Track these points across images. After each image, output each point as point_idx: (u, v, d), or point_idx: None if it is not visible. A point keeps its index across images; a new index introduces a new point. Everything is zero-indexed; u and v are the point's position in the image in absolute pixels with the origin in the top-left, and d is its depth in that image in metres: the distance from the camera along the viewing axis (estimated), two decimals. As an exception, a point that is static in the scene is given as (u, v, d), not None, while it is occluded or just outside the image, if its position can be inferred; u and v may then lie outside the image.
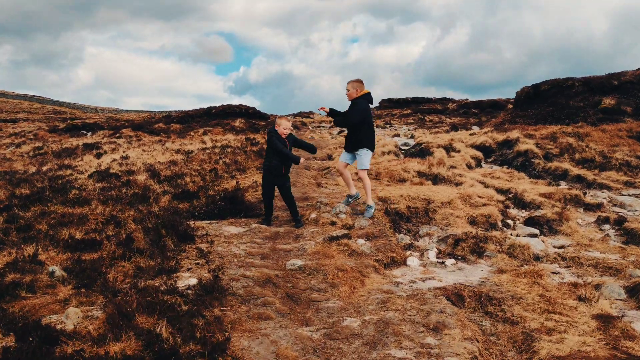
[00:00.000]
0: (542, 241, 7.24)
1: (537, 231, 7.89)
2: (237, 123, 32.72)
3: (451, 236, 6.94)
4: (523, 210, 9.51)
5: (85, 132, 28.80)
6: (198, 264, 5.79)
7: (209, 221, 8.07)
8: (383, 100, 56.19)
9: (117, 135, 25.95)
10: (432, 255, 6.52)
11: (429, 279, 5.58)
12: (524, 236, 7.84)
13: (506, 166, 16.11)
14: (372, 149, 7.62)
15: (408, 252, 6.62)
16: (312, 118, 45.54)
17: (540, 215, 8.28)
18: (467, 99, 54.68)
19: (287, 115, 7.55)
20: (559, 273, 6.14)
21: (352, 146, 7.62)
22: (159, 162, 12.47)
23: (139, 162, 12.43)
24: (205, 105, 38.89)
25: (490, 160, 17.24)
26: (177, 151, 14.93)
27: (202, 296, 4.80)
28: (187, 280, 5.26)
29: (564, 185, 12.97)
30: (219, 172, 11.51)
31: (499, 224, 8.27)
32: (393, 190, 9.08)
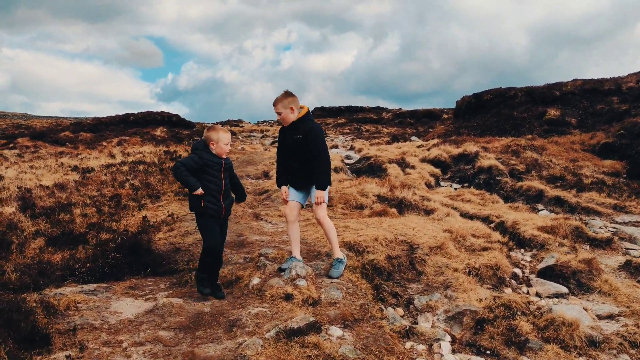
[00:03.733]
0: (585, 309, 5.09)
1: (564, 289, 5.77)
2: (159, 132, 29.38)
3: (467, 313, 4.61)
4: (523, 251, 7.42)
5: (-28, 141, 24.38)
6: (45, 407, 3.09)
7: (94, 286, 5.30)
8: (316, 109, 54.22)
9: (11, 145, 21.99)
10: (446, 349, 4.16)
11: (468, 416, 3.20)
12: (549, 297, 5.69)
13: (467, 184, 14.26)
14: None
15: (409, 345, 4.21)
16: (241, 127, 42.76)
17: (562, 264, 6.17)
18: (400, 108, 53.94)
19: (219, 125, 4.74)
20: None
21: (306, 180, 5.06)
22: (41, 185, 9.39)
23: (14, 186, 9.29)
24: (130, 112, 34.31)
25: (447, 177, 15.35)
26: (75, 168, 11.80)
27: None
28: None
29: (542, 208, 11.18)
30: (123, 199, 8.64)
31: (507, 276, 6.09)
32: (360, 229, 6.70)
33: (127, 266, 5.71)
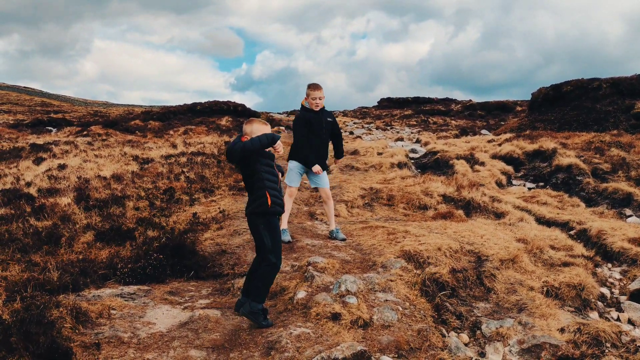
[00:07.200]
0: (692, 347, 4.23)
1: (664, 318, 4.90)
2: (224, 121, 29.66)
3: (546, 346, 3.91)
4: (611, 266, 6.51)
5: (50, 128, 25.58)
6: None
7: (135, 288, 5.02)
8: (382, 100, 53.13)
9: (85, 132, 22.80)
10: (519, 391, 3.50)
11: None
12: (644, 326, 4.84)
13: (542, 184, 13.15)
14: None
15: (474, 383, 3.59)
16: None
17: (661, 287, 5.28)
18: (470, 100, 51.86)
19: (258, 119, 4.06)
20: None
21: (323, 161, 6.23)
22: (99, 175, 9.39)
23: (74, 176, 9.33)
24: (198, 102, 35.09)
25: (520, 175, 14.25)
26: (135, 158, 11.84)
27: None
28: None
29: (630, 213, 10.01)
30: (177, 193, 8.44)
31: (593, 298, 5.27)
32: (422, 235, 6.05)
33: (169, 268, 5.41)
